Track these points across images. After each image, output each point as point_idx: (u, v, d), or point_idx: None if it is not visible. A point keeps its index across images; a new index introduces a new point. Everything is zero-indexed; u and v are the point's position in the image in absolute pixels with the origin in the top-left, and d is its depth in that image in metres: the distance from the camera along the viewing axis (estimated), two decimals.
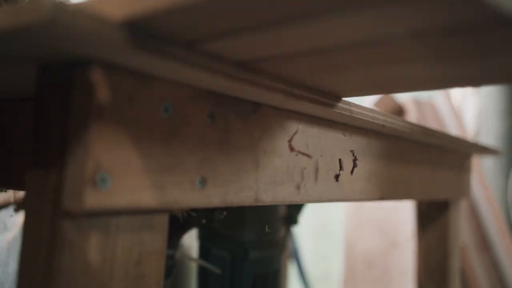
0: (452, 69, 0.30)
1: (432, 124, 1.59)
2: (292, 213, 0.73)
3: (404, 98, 1.59)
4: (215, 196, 0.33)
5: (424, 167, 0.62)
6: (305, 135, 0.42)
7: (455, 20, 0.22)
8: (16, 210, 0.55)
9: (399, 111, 1.54)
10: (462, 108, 2.29)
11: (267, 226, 0.67)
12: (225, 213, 0.65)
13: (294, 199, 0.41)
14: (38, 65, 0.28)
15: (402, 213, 1.43)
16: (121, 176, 0.27)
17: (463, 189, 0.75)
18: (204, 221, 0.66)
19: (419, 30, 0.23)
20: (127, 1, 0.23)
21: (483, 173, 1.59)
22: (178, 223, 0.65)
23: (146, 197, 0.28)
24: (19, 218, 0.75)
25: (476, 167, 1.51)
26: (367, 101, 1.51)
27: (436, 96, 1.67)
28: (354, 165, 0.47)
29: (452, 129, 1.61)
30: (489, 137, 2.18)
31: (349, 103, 0.41)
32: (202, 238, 0.69)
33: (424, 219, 0.79)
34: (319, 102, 0.37)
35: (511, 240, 1.44)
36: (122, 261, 0.29)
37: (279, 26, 0.24)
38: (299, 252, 1.14)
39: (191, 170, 0.31)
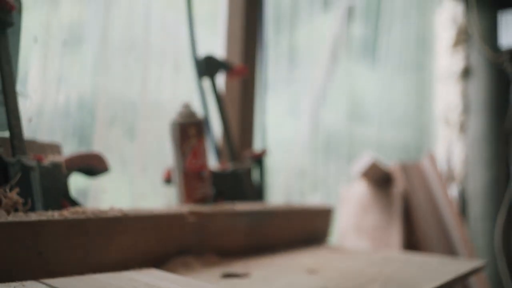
0: None
1: (418, 185, 1.64)
2: None
3: (391, 164, 1.63)
4: None
5: None
6: None
7: None
8: None
9: (387, 178, 1.59)
10: (449, 153, 2.35)
11: None
12: None
13: None
14: None
15: None
16: None
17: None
18: None
19: None
20: None
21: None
22: None
23: None
24: None
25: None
26: (355, 171, 1.55)
27: (422, 159, 1.72)
28: None
29: (437, 191, 1.67)
30: (475, 184, 2.24)
31: None
32: None
33: None
34: None
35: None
36: None
37: None
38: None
39: None
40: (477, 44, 2.36)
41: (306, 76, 1.68)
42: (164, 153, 0.96)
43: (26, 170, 0.64)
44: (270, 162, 1.28)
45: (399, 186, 1.58)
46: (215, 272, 0.74)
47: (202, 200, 0.87)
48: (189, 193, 0.87)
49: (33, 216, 0.58)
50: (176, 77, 0.99)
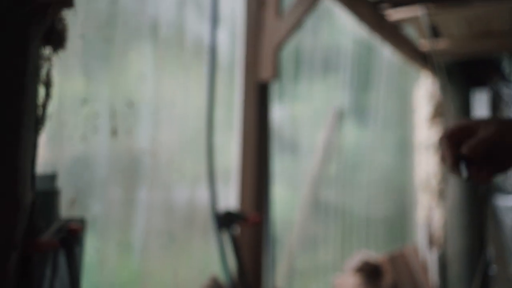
0: None
1: (404, 275, 1.83)
2: None
3: (380, 256, 1.82)
4: None
5: None
6: None
7: None
8: None
9: (377, 271, 1.78)
10: (429, 219, 2.55)
11: None
12: None
13: None
14: None
15: None
16: None
17: None
18: None
19: None
20: None
21: None
22: None
23: None
24: None
25: None
26: (347, 267, 1.73)
27: (406, 248, 1.92)
28: None
29: (420, 279, 1.86)
30: (454, 248, 2.44)
31: None
32: None
33: None
34: None
35: None
36: None
37: None
38: None
39: None
40: (452, 117, 2.58)
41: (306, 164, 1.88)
42: None
43: None
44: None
45: (387, 278, 1.77)
46: None
47: None
48: None
49: None
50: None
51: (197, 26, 1.18)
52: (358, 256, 1.72)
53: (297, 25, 1.32)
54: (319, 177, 1.92)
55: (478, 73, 2.71)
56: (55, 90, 0.82)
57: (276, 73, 1.28)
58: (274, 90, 1.43)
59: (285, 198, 1.82)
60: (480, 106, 2.59)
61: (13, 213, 0.73)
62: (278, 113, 1.58)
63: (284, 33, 1.26)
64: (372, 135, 2.36)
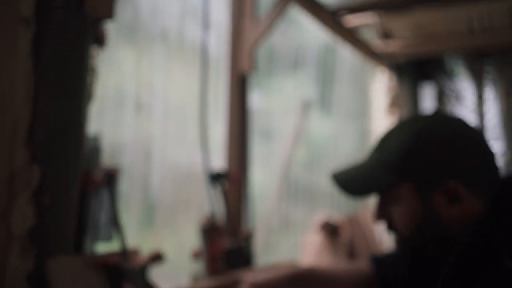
0: None
1: (359, 234, 2.23)
2: None
3: (340, 217, 2.22)
4: None
5: None
6: None
7: None
8: None
9: (337, 229, 2.18)
10: None
11: None
12: None
13: None
14: None
15: None
16: None
17: None
18: None
19: None
20: None
21: None
22: None
23: None
24: None
25: None
26: (313, 225, 2.13)
27: (361, 213, 2.33)
28: None
29: (371, 235, 2.27)
30: None
31: None
32: None
33: None
34: None
35: None
36: None
37: None
38: None
39: None
40: (405, 108, 3.01)
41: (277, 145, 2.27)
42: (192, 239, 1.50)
43: (132, 271, 1.16)
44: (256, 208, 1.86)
45: (345, 236, 2.17)
46: None
47: (219, 270, 1.41)
48: (211, 266, 1.41)
49: None
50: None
51: (193, 31, 1.57)
52: (321, 216, 2.12)
53: (270, 28, 1.71)
54: (290, 160, 2.32)
55: (425, 70, 3.17)
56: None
57: (253, 66, 1.67)
58: (252, 82, 1.82)
59: (261, 178, 2.21)
60: (427, 98, 3.03)
61: (80, 154, 1.09)
62: (256, 102, 1.97)
63: (259, 35, 1.65)
64: (335, 125, 2.77)
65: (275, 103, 2.30)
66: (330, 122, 2.74)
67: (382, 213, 1.00)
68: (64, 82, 1.08)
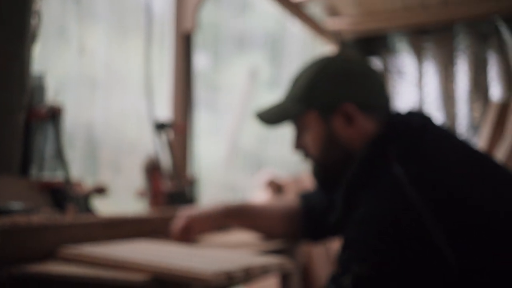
0: None
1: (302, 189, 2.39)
2: None
3: (285, 177, 2.38)
4: None
5: None
6: None
7: None
8: None
9: (282, 187, 2.33)
10: None
11: None
12: None
13: None
14: None
15: None
16: None
17: None
18: None
19: None
20: None
21: None
22: None
23: None
24: None
25: None
26: (256, 184, 2.27)
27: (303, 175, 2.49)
28: None
29: None
30: None
31: None
32: None
33: None
34: None
35: None
36: None
37: None
38: None
39: None
40: None
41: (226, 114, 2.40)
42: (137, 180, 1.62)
43: (75, 196, 1.27)
44: (202, 177, 1.99)
45: (289, 193, 2.32)
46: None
47: (161, 207, 1.53)
48: (154, 203, 1.53)
49: (81, 218, 1.22)
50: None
51: None
52: (266, 175, 2.27)
53: None
54: (238, 129, 2.46)
55: (371, 47, 3.36)
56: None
57: (197, 26, 1.80)
58: (197, 41, 1.96)
59: (210, 147, 2.34)
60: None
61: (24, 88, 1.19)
62: (203, 61, 2.11)
63: None
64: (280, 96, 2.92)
65: (223, 81, 2.42)
66: (278, 96, 2.89)
67: (298, 143, 1.16)
68: (8, 22, 1.19)
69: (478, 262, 0.79)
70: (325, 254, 2.29)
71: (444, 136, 1.03)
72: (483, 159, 0.98)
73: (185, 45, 1.82)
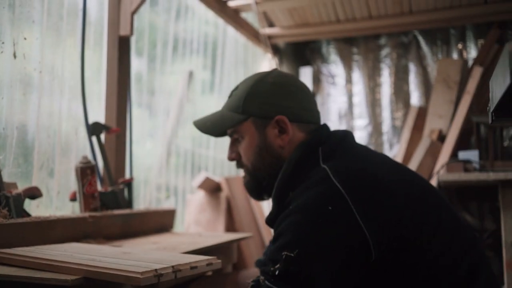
0: None
1: (239, 192, 2.48)
2: None
3: (220, 178, 2.46)
4: None
5: None
6: None
7: None
8: None
9: (217, 188, 2.41)
10: None
11: None
12: None
13: None
14: None
15: None
16: None
17: None
18: None
19: None
20: None
21: None
22: None
23: None
24: None
25: None
26: (195, 183, 2.34)
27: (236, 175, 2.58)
28: None
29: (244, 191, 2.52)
30: None
31: None
32: None
33: None
34: None
35: None
36: None
37: None
38: None
39: None
40: None
41: (164, 117, 2.44)
42: (71, 183, 1.63)
43: (8, 199, 1.28)
44: (137, 178, 2.02)
45: (224, 193, 2.41)
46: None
47: (94, 210, 1.56)
48: (87, 205, 1.55)
49: (13, 220, 1.23)
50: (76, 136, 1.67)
51: None
52: (201, 175, 2.34)
53: None
54: (175, 130, 2.50)
55: (304, 55, 3.52)
56: None
57: (133, 29, 1.83)
58: (135, 45, 1.99)
59: (148, 150, 2.37)
60: (307, 81, 3.38)
61: None
62: (141, 65, 2.14)
63: (139, 2, 1.82)
64: (217, 100, 2.99)
65: (161, 84, 2.45)
66: (212, 97, 2.95)
67: (232, 152, 1.24)
68: None
69: (390, 239, 0.90)
70: (260, 249, 2.40)
71: (358, 144, 1.17)
72: (388, 158, 1.14)
73: (121, 49, 1.85)
